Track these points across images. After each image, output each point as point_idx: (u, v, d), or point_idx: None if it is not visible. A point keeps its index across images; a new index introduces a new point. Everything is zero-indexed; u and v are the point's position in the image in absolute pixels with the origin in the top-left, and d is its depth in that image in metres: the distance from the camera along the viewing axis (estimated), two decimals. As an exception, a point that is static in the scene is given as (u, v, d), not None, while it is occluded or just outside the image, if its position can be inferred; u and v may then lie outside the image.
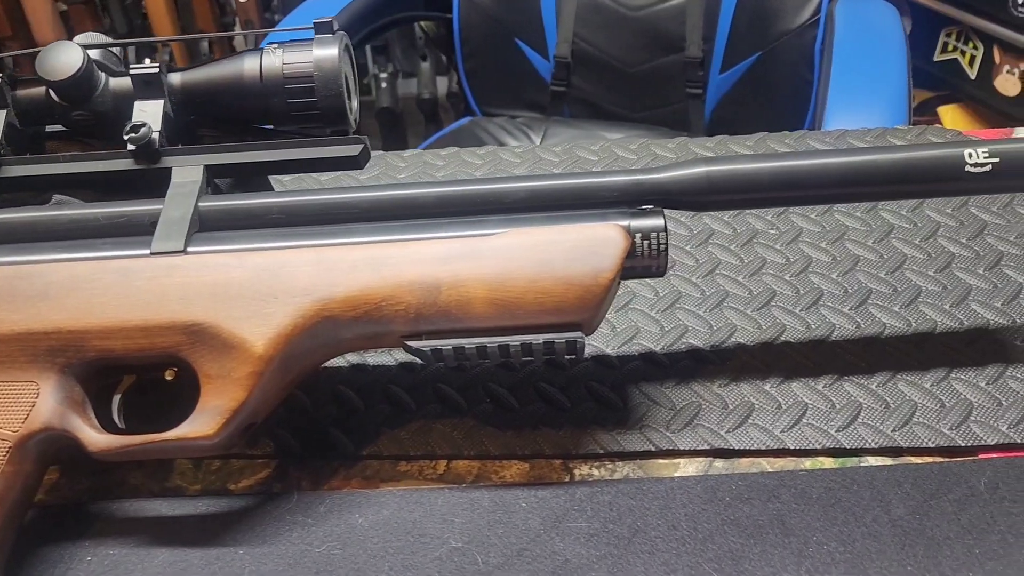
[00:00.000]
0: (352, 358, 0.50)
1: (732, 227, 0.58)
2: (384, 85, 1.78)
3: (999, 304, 0.51)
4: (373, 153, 0.68)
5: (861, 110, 0.80)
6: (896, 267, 0.54)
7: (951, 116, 1.39)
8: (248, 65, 0.45)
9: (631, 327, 0.51)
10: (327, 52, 0.44)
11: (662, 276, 0.42)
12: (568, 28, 1.15)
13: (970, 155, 0.42)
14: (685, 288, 0.54)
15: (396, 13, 1.20)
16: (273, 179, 0.65)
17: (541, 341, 0.40)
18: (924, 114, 1.47)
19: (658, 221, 0.41)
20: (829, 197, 0.43)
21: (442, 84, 1.82)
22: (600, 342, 0.50)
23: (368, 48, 1.81)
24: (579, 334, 0.40)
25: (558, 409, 0.47)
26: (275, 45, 0.46)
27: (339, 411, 0.47)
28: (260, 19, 1.78)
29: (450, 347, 0.40)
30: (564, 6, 1.15)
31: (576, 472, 0.44)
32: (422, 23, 1.23)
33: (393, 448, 0.45)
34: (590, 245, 0.40)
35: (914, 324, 0.50)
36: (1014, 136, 0.63)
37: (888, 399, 0.46)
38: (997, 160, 0.42)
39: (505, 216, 0.42)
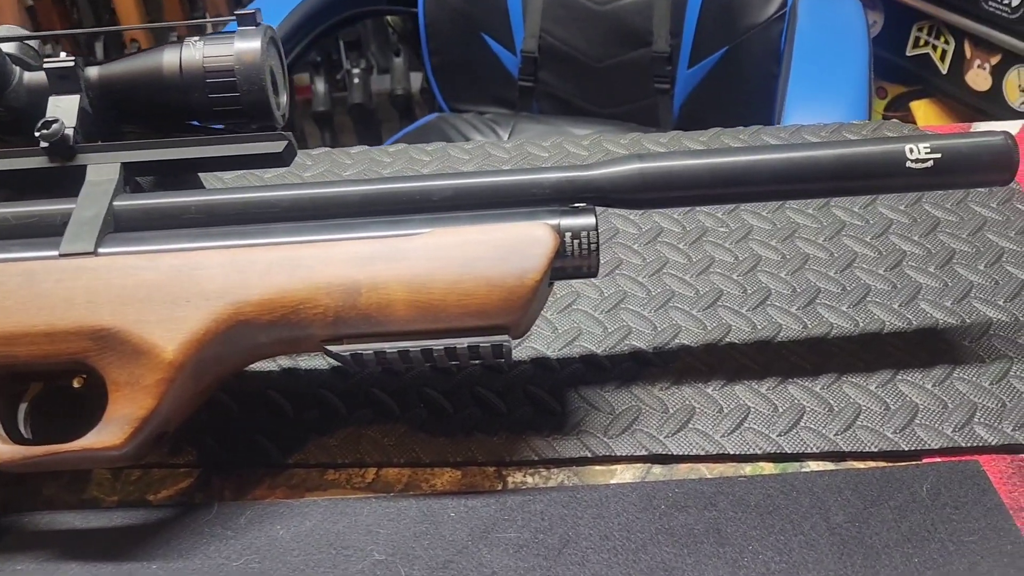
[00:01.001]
0: (284, 361, 0.49)
1: (682, 225, 0.57)
2: (357, 81, 1.75)
3: (949, 303, 0.50)
4: (320, 150, 0.67)
5: (820, 105, 0.79)
6: (846, 265, 0.53)
7: (923, 111, 1.38)
8: (167, 59, 0.43)
9: (573, 328, 0.50)
10: (249, 45, 0.43)
11: (594, 276, 0.41)
12: (535, 22, 1.13)
13: (911, 151, 0.40)
14: (631, 288, 0.52)
15: (359, 7, 1.18)
16: (215, 176, 0.63)
17: (466, 345, 0.39)
18: (897, 109, 1.46)
19: (589, 220, 0.40)
20: (767, 194, 0.42)
21: (416, 80, 1.80)
22: (541, 344, 0.49)
23: (341, 43, 1.78)
24: (505, 337, 0.39)
25: (494, 414, 0.45)
26: (196, 38, 0.44)
27: (267, 417, 0.46)
28: (229, 13, 1.75)
29: (371, 351, 0.39)
30: (531, 0, 1.13)
31: (509, 480, 0.43)
32: (389, 18, 1.21)
33: (321, 456, 0.44)
34: (516, 245, 0.39)
35: (862, 324, 0.49)
36: (971, 131, 0.62)
37: (832, 402, 0.45)
38: (939, 156, 0.40)
39: (432, 215, 0.41)
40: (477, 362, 0.40)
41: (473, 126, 1.18)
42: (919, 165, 0.40)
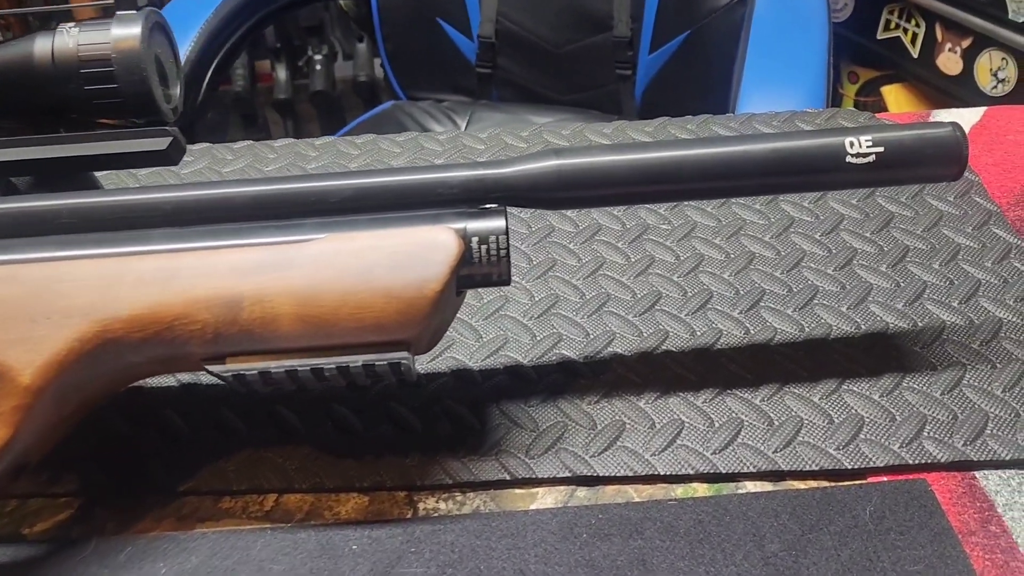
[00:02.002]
0: (184, 376, 0.45)
1: (621, 222, 0.53)
2: (319, 67, 1.71)
3: (900, 305, 0.46)
4: (242, 143, 0.63)
5: (777, 92, 0.75)
6: (793, 265, 0.49)
7: (895, 96, 1.35)
8: (39, 47, 0.39)
9: (499, 336, 0.46)
10: (127, 32, 0.38)
11: (506, 284, 0.37)
12: (491, 6, 1.09)
13: (851, 144, 0.37)
14: (564, 291, 0.49)
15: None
16: (130, 174, 0.59)
17: (360, 363, 0.35)
18: (869, 94, 1.43)
19: (498, 223, 0.36)
20: (695, 192, 0.38)
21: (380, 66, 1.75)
22: (463, 354, 0.45)
23: (303, 28, 1.73)
24: (404, 355, 0.35)
25: (407, 433, 0.42)
26: (72, 24, 0.40)
27: (161, 439, 0.42)
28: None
29: (255, 371, 0.35)
30: (487, -17, 1.09)
31: (420, 506, 0.39)
32: (343, 1, 1.17)
33: (215, 482, 0.40)
34: (416, 252, 0.35)
35: (808, 329, 0.45)
36: (931, 120, 0.58)
37: (772, 415, 0.41)
38: (881, 150, 0.37)
39: (328, 219, 0.37)
40: (373, 382, 0.36)
41: (430, 115, 1.14)
42: (860, 160, 0.37)
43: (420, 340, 0.35)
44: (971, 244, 0.50)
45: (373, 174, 0.37)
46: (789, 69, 0.78)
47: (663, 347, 0.45)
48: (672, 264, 0.50)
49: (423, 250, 0.35)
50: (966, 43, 1.20)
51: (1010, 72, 1.14)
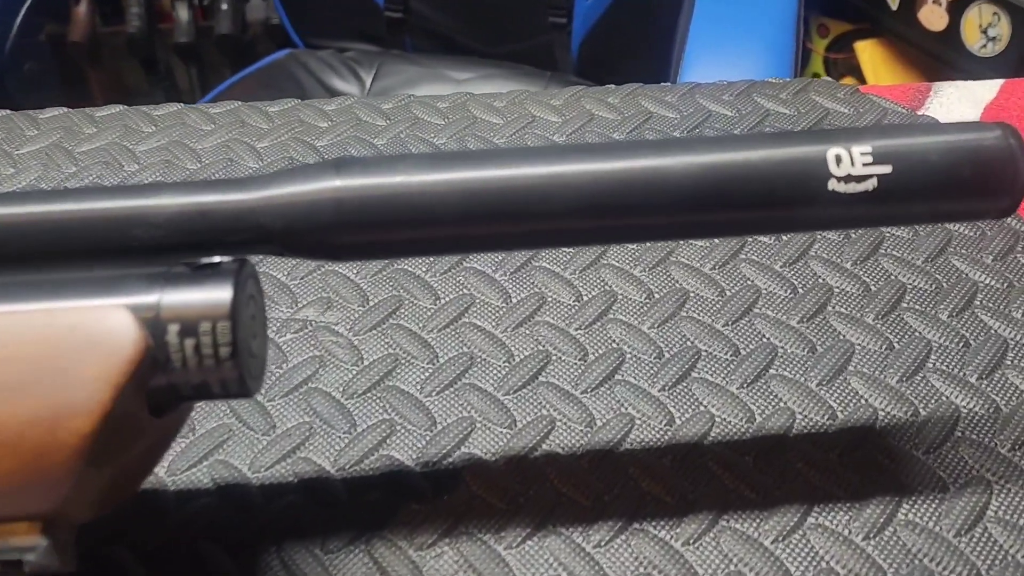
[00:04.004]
0: None
1: (504, 240, 0.38)
2: (225, 7, 1.50)
3: (894, 380, 0.32)
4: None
5: (730, 53, 0.60)
6: (742, 312, 0.34)
7: (869, 53, 1.20)
8: None
9: (302, 425, 0.31)
10: None
11: (246, 396, 0.22)
12: (401, -62, 0.92)
13: (838, 159, 0.22)
14: (410, 349, 0.33)
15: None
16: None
17: (-51, 559, 0.19)
18: (841, 51, 1.27)
19: (219, 293, 0.20)
20: (572, 235, 0.23)
21: (298, 8, 1.55)
22: (240, 456, 0.30)
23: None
24: (35, 541, 0.19)
25: (126, 601, 0.26)
26: None
27: None
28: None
29: None
30: (396, -91, 0.91)
31: None
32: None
33: None
34: (50, 355, 0.19)
35: (759, 418, 0.31)
36: (931, 94, 0.43)
37: (699, 569, 0.27)
38: (886, 170, 0.22)
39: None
40: None
41: (330, 67, 0.97)
42: (851, 187, 0.22)
43: (67, 512, 0.20)
44: (992, 283, 0.35)
45: (10, 201, 0.21)
46: (748, 24, 0.62)
47: (544, 446, 0.30)
48: (570, 308, 0.35)
49: (65, 353, 0.19)
50: (952, -6, 1.05)
51: (1002, 29, 1.00)
